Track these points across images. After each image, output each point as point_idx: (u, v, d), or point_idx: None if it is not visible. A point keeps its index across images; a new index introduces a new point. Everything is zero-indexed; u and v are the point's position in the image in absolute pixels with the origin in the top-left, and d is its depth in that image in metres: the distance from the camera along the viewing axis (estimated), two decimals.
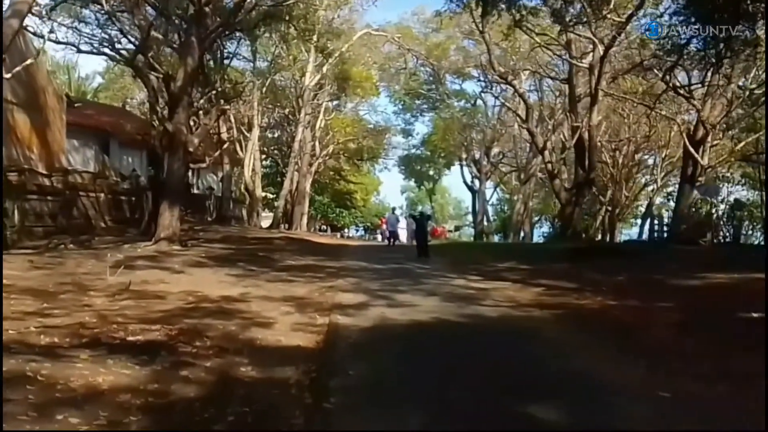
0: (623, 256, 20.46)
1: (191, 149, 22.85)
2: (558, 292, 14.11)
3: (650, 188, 51.55)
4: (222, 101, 27.87)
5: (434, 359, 8.08)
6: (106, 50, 24.81)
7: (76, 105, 30.24)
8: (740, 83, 28.42)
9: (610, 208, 47.88)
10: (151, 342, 8.06)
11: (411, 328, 10.15)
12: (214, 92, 26.83)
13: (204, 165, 30.69)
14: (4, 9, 16.12)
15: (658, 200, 51.63)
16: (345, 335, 9.47)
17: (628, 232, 55.98)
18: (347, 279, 16.60)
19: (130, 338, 8.17)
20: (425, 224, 25.91)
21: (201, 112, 26.67)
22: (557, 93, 46.08)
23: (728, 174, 41.49)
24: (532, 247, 34.20)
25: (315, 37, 32.37)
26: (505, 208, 75.64)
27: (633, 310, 11.47)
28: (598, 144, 35.78)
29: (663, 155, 45.55)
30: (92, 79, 56.14)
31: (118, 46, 24.70)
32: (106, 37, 25.01)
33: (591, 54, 31.60)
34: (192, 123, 25.59)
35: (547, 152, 36.31)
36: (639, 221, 57.55)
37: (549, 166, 35.92)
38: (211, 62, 31.05)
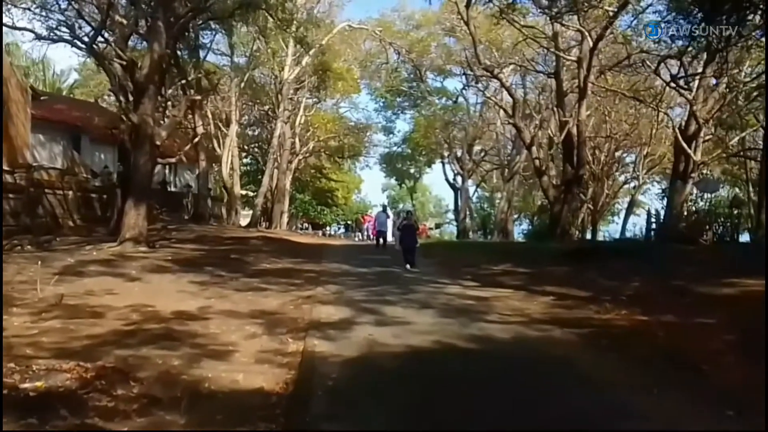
0: (625, 257, 18.63)
1: (159, 143, 21.28)
2: (571, 303, 12.55)
3: (631, 185, 52.38)
4: (192, 91, 26.34)
5: (448, 419, 6.24)
6: (67, 36, 22.94)
7: (42, 98, 28.69)
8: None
9: (591, 206, 46.98)
10: (52, 391, 6.06)
11: (408, 359, 8.43)
12: (184, 81, 25.28)
13: (173, 160, 28.95)
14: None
15: (639, 197, 52.42)
16: (323, 372, 7.62)
17: (607, 230, 55.63)
18: (327, 286, 15.00)
19: (26, 385, 6.14)
20: (414, 226, 22.12)
21: (170, 103, 25.15)
22: (539, 90, 45.56)
23: (708, 172, 40.84)
24: (523, 247, 32.55)
25: (293, 27, 30.73)
26: (485, 206, 75.32)
27: (673, 330, 9.77)
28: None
29: (644, 152, 45.45)
30: (68, 75, 54.15)
31: (82, 34, 22.96)
32: (63, 19, 23.20)
33: (579, 47, 30.99)
34: (166, 117, 24.31)
35: (534, 148, 35.28)
36: (618, 219, 58.62)
37: (537, 162, 34.90)
38: (186, 54, 29.77)
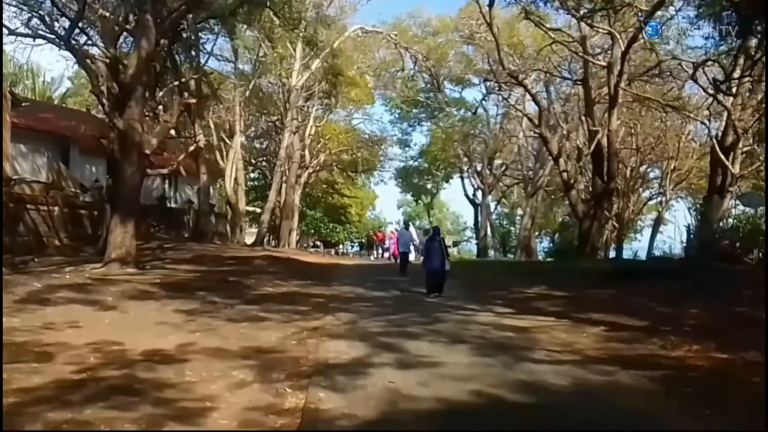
0: (670, 277, 16.94)
1: (148, 151, 19.01)
2: (628, 335, 10.71)
3: (657, 201, 51.69)
4: (186, 94, 24.19)
5: None
6: (43, 32, 20.83)
7: (23, 105, 26.55)
8: None
9: (616, 223, 44.84)
10: None
11: (443, 421, 6.39)
12: (177, 83, 23.17)
13: (165, 171, 26.72)
14: None
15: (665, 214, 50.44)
16: None
17: (630, 247, 53.70)
18: (338, 315, 12.89)
19: None
20: (443, 246, 17.87)
21: (162, 107, 23.02)
22: (563, 99, 43.89)
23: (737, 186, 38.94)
24: (551, 266, 30.10)
25: (302, 27, 28.48)
26: (504, 222, 73.21)
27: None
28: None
29: (672, 167, 43.95)
30: (59, 83, 52.04)
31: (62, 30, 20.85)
32: (36, 11, 21.16)
33: (609, 51, 29.61)
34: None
35: (561, 160, 33.08)
36: (641, 236, 58.36)
37: (564, 175, 32.91)
38: (183, 56, 27.88)
